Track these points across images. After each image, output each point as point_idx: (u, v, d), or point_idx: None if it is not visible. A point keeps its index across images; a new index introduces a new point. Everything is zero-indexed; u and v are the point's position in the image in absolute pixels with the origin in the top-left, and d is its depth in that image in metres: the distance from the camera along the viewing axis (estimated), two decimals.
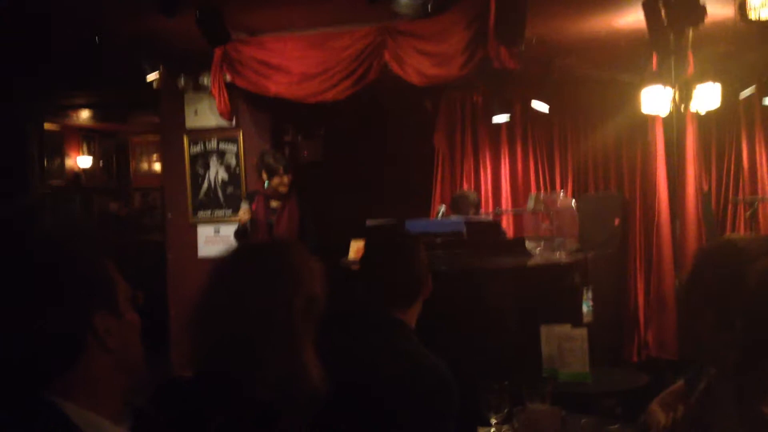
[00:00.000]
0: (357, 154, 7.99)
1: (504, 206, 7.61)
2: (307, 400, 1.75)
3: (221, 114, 6.29)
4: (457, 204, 6.47)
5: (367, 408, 2.17)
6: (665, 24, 4.47)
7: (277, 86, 5.99)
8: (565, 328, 3.53)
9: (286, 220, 5.73)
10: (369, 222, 5.36)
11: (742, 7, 4.29)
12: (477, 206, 6.54)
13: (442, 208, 6.47)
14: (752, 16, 4.00)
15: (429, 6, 4.79)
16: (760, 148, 7.07)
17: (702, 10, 4.30)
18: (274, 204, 5.75)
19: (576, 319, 3.98)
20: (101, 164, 11.87)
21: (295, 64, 5.92)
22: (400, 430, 2.15)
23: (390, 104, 7.63)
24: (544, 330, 3.55)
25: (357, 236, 5.14)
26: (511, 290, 4.07)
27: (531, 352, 3.55)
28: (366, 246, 2.65)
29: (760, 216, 6.78)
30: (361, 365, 2.24)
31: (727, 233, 6.61)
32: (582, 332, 3.52)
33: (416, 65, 5.61)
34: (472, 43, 5.23)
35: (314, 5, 5.45)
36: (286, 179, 5.69)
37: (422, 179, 7.82)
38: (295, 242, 2.57)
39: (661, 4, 4.61)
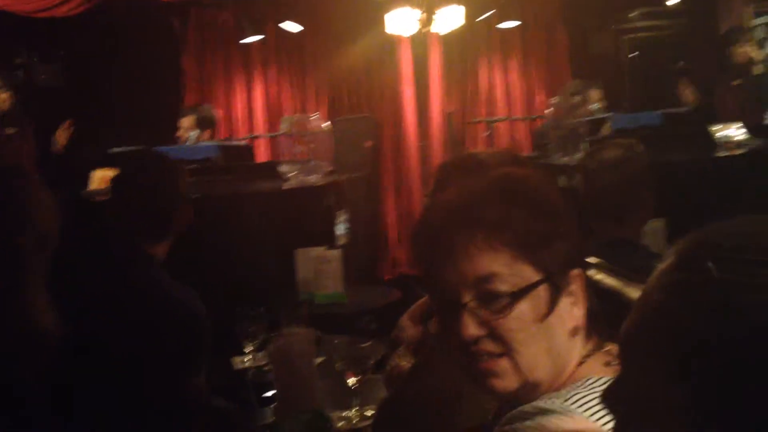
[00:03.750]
0: (100, 77, 7.42)
1: (258, 130, 7.48)
2: (38, 349, 1.59)
3: None
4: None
5: (112, 347, 2.03)
6: None
7: None
8: (320, 251, 3.55)
9: (18, 147, 5.30)
10: (114, 150, 5.04)
11: None
12: (205, 122, 6.32)
13: (194, 134, 6.23)
14: None
15: None
16: (497, 71, 7.53)
17: None
18: (10, 131, 5.28)
19: (331, 242, 4.03)
20: None
21: None
22: (149, 367, 2.04)
23: (134, 24, 7.13)
24: (300, 253, 3.55)
25: (100, 165, 4.81)
26: (266, 215, 4.02)
27: (288, 277, 3.55)
28: (116, 174, 2.44)
29: (497, 136, 7.26)
30: (101, 304, 2.08)
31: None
32: (336, 253, 3.56)
33: None
34: None
35: None
36: (4, 95, 5.30)
37: (171, 103, 7.44)
38: (20, 169, 2.27)
39: None
